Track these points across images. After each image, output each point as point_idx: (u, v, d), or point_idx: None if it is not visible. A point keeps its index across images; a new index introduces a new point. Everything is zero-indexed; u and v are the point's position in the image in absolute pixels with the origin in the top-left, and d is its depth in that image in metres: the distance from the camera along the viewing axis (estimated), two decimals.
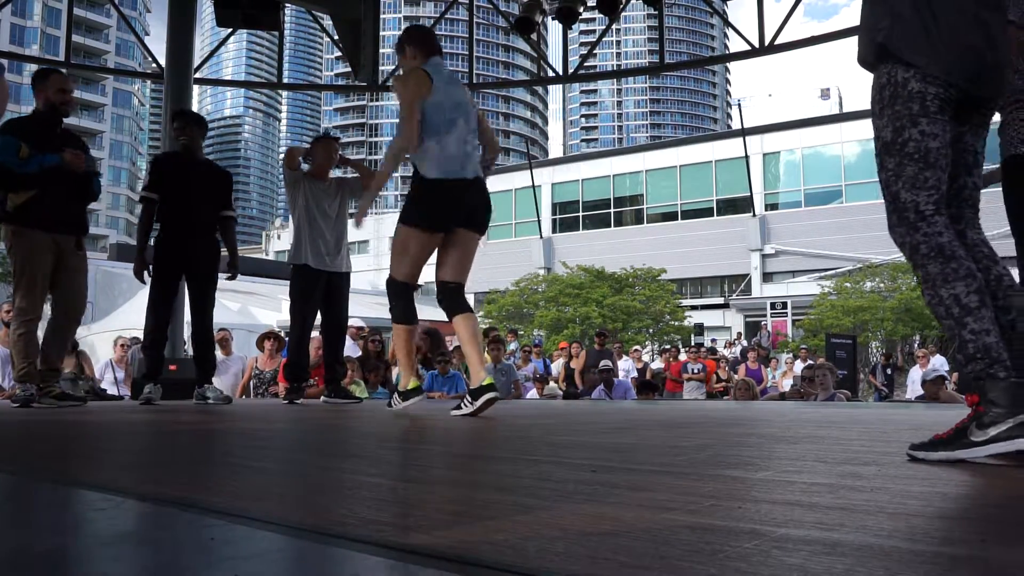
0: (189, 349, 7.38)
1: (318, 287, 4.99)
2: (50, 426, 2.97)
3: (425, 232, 3.62)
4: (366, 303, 15.11)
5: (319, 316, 5.23)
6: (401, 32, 3.88)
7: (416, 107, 3.51)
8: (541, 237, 33.64)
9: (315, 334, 5.65)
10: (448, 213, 3.61)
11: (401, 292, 3.71)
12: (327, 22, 10.61)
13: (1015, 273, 1.96)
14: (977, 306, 1.66)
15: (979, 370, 1.65)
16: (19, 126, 4.30)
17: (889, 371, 13.29)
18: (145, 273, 4.78)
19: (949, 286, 1.69)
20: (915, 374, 11.37)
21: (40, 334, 4.46)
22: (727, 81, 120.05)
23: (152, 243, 4.88)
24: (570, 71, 11.72)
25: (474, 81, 11.02)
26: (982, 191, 1.92)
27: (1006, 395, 1.61)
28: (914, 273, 1.78)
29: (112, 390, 7.11)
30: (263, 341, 7.28)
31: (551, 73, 11.34)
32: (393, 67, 7.59)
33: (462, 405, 3.49)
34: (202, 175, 4.93)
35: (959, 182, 1.84)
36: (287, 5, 10.21)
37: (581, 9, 9.53)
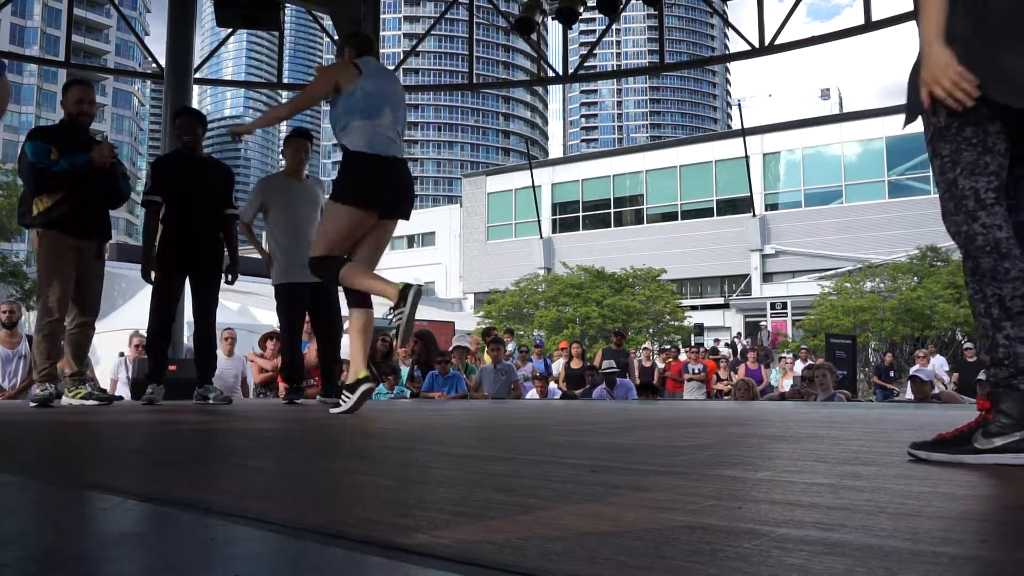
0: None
1: (302, 299, 4.88)
2: (51, 426, 2.97)
3: (356, 209, 3.56)
4: None
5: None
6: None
7: (315, 98, 3.73)
8: (541, 237, 33.63)
9: None
10: (376, 188, 3.58)
11: (336, 267, 3.56)
12: (327, 22, 10.61)
13: None
14: (1019, 312, 1.61)
15: (1001, 377, 1.62)
16: (47, 132, 4.48)
17: (892, 372, 13.30)
18: (152, 274, 4.75)
19: (996, 285, 1.63)
20: None
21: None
22: (727, 81, 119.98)
23: (157, 243, 4.83)
24: (570, 71, 11.72)
25: (474, 81, 11.02)
26: None
27: (1018, 407, 1.59)
28: (963, 263, 1.71)
29: (121, 390, 7.01)
30: (265, 341, 7.27)
31: (551, 73, 11.35)
32: (393, 68, 7.60)
33: (341, 402, 3.58)
34: (205, 173, 4.88)
35: (1016, 172, 1.76)
36: (287, 5, 10.22)
37: (581, 9, 9.53)
